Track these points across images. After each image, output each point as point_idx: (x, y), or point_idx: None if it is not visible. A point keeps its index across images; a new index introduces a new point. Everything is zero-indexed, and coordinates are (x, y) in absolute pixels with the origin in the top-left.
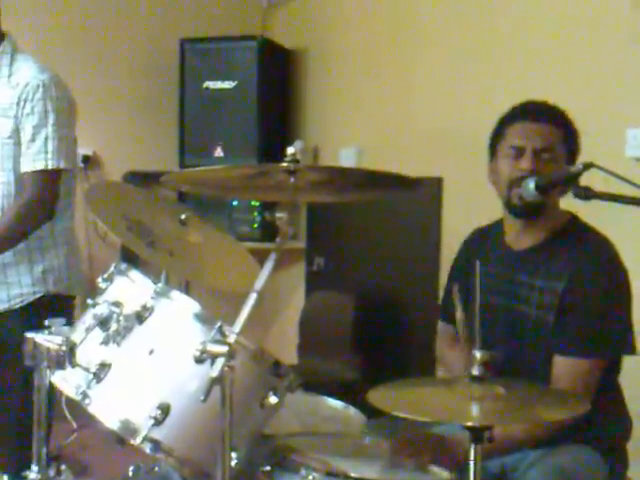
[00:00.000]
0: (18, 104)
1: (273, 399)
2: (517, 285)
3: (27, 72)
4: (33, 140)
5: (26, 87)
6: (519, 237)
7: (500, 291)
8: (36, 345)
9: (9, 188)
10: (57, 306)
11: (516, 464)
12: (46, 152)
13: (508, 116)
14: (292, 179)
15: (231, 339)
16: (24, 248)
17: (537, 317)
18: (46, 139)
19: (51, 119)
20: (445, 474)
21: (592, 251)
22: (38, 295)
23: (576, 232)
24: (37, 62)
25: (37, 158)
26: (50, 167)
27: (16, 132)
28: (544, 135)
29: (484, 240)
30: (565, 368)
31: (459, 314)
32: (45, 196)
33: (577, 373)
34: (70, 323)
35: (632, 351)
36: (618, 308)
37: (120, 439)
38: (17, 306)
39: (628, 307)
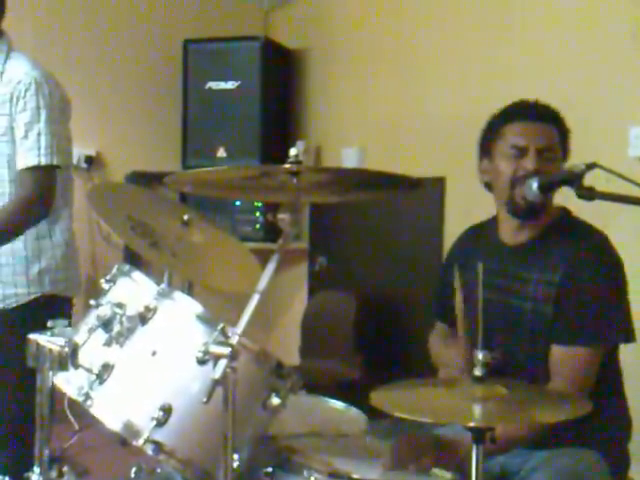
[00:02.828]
0: (11, 101)
1: (275, 400)
2: (512, 279)
3: (19, 69)
4: (26, 137)
5: (18, 84)
6: (514, 233)
7: (495, 286)
8: (39, 346)
9: (4, 186)
10: (54, 307)
11: (518, 467)
12: (39, 148)
13: (504, 115)
14: (294, 180)
15: (234, 340)
16: (21, 248)
17: (533, 310)
18: (39, 135)
19: (43, 115)
20: (447, 475)
21: (587, 241)
22: (33, 296)
23: (569, 225)
24: (30, 60)
25: (30, 155)
26: (43, 163)
27: (10, 130)
28: (546, 135)
29: (478, 237)
30: (564, 357)
31: (458, 298)
32: (42, 193)
33: (576, 362)
34: (69, 324)
35: (630, 339)
36: (615, 296)
37: (122, 440)
38: (11, 306)
39: (625, 295)
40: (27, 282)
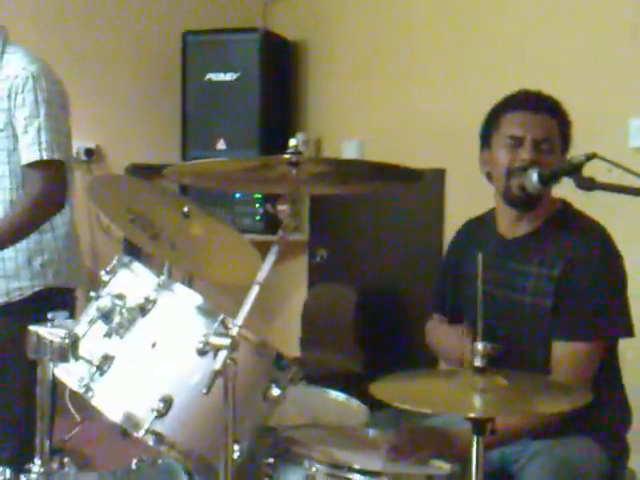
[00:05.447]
0: (9, 97)
1: (276, 391)
2: (511, 273)
3: (16, 64)
4: (26, 132)
5: (16, 79)
6: (513, 226)
7: (494, 280)
8: (39, 338)
9: (4, 181)
10: (57, 299)
11: (517, 456)
12: (40, 143)
13: (504, 105)
14: (294, 171)
15: (234, 331)
16: (24, 242)
17: (533, 304)
18: (39, 130)
19: (42, 110)
20: (446, 466)
21: (586, 236)
22: (37, 289)
23: (569, 218)
24: (27, 53)
25: (31, 150)
26: (45, 158)
27: (9, 125)
28: (543, 126)
29: (476, 230)
30: (565, 353)
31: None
32: (52, 188)
33: (577, 357)
34: (72, 316)
35: (630, 333)
36: (614, 291)
37: (123, 432)
38: (16, 299)
39: (624, 290)
40: (30, 275)
